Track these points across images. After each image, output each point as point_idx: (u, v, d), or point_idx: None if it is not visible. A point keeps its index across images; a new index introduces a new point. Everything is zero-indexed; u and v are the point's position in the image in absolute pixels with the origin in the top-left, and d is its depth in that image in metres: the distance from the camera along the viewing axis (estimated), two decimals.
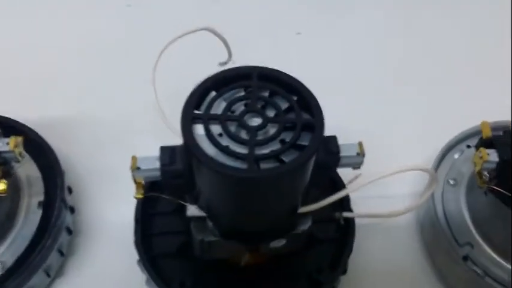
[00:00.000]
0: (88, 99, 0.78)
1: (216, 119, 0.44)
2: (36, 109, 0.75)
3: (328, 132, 0.45)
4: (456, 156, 0.69)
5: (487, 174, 0.55)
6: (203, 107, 0.45)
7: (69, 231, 0.64)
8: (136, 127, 0.75)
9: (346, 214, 0.59)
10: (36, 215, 0.61)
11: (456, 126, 0.70)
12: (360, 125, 0.74)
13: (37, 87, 0.78)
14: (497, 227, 0.60)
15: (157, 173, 0.46)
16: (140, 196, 0.49)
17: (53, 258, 0.61)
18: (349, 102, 0.78)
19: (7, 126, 0.63)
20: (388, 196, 0.66)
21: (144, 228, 0.59)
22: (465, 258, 0.61)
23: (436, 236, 0.64)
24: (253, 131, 0.44)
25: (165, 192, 0.54)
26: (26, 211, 0.61)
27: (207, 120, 0.44)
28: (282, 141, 0.44)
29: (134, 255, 0.58)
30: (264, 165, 0.43)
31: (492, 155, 0.54)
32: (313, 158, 0.44)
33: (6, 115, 0.68)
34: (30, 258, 0.58)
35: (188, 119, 0.44)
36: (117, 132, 0.75)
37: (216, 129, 0.44)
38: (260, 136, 0.44)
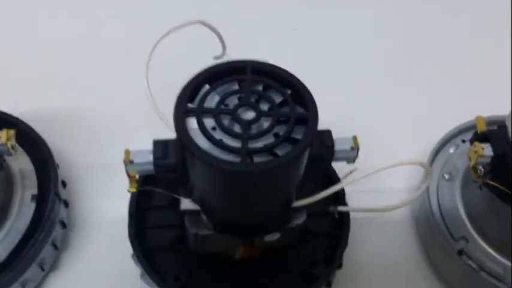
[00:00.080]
0: (82, 93, 0.78)
1: (209, 112, 0.44)
2: (30, 103, 0.74)
3: (322, 127, 0.45)
4: (451, 150, 0.68)
5: (482, 169, 0.55)
6: (197, 100, 0.45)
7: (63, 225, 0.64)
8: (130, 121, 0.75)
9: (341, 208, 0.59)
10: (30, 208, 0.61)
11: (451, 121, 0.70)
12: (354, 119, 0.74)
13: (31, 81, 0.78)
14: (492, 222, 0.60)
15: (151, 167, 0.46)
16: (134, 190, 0.49)
17: (47, 252, 0.61)
18: (344, 97, 0.78)
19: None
20: (383, 190, 0.66)
21: (138, 222, 0.59)
22: (460, 252, 0.61)
23: (431, 230, 0.64)
24: (246, 124, 0.44)
25: (159, 186, 0.54)
26: (19, 204, 0.61)
27: (200, 113, 0.44)
28: (276, 135, 0.44)
29: (128, 249, 0.58)
30: (257, 159, 0.43)
31: (487, 150, 0.54)
32: (307, 152, 0.44)
33: None
34: (23, 252, 0.58)
35: (181, 113, 0.44)
36: (111, 126, 0.75)
37: (209, 122, 0.44)
38: (254, 130, 0.44)
